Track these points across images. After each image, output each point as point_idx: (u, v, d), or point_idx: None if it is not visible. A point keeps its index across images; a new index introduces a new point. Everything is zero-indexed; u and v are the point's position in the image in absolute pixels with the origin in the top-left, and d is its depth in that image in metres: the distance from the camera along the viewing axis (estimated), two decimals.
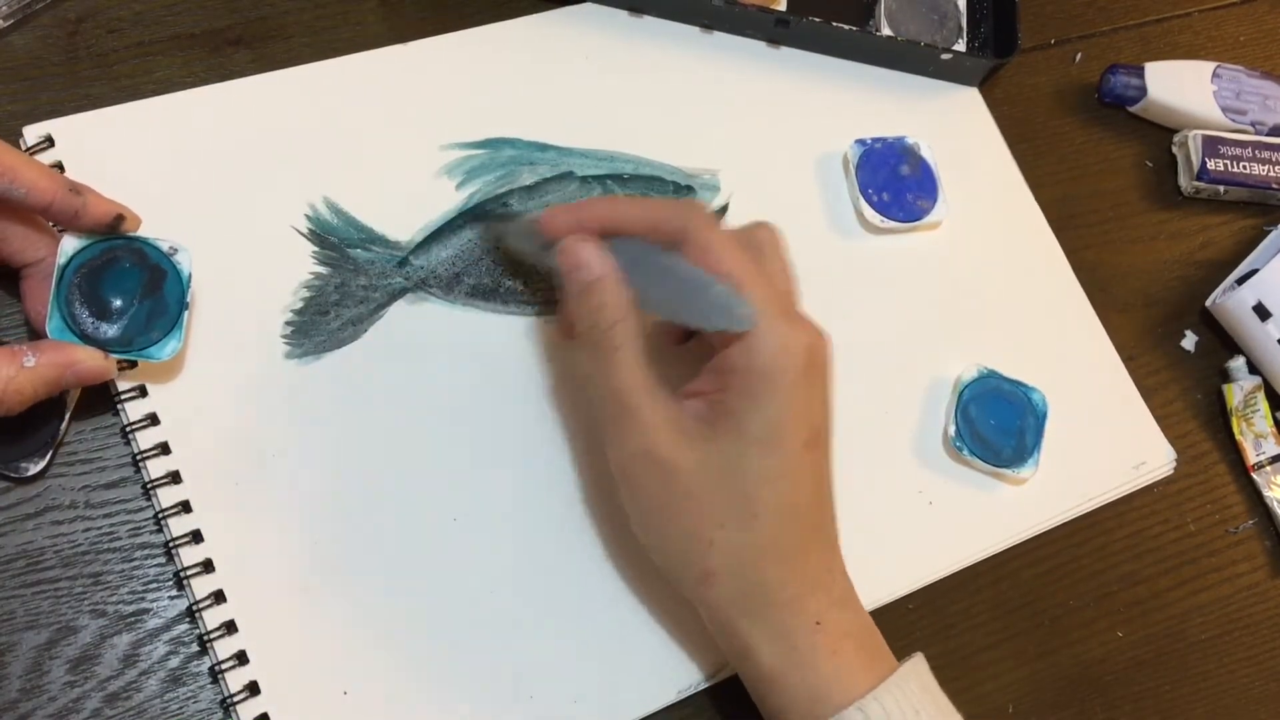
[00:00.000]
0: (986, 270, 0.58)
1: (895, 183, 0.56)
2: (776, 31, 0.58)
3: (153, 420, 0.44)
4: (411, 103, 0.52)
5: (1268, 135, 0.64)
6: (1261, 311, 0.57)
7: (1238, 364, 0.60)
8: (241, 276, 0.47)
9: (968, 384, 0.53)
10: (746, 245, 0.43)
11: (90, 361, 0.41)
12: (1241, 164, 0.62)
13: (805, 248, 0.55)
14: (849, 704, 0.39)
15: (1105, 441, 0.56)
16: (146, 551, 0.43)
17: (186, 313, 0.43)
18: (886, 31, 0.60)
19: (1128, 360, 0.58)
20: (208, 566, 0.43)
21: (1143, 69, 0.63)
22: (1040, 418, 0.54)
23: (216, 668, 0.42)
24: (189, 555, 0.43)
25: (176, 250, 0.43)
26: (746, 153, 0.56)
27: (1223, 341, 0.61)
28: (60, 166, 0.46)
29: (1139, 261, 0.61)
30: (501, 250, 0.49)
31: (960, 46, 0.61)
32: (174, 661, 0.42)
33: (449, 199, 0.51)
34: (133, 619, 0.42)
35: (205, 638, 0.42)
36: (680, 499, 0.40)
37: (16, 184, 0.39)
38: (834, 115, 0.58)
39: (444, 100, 0.52)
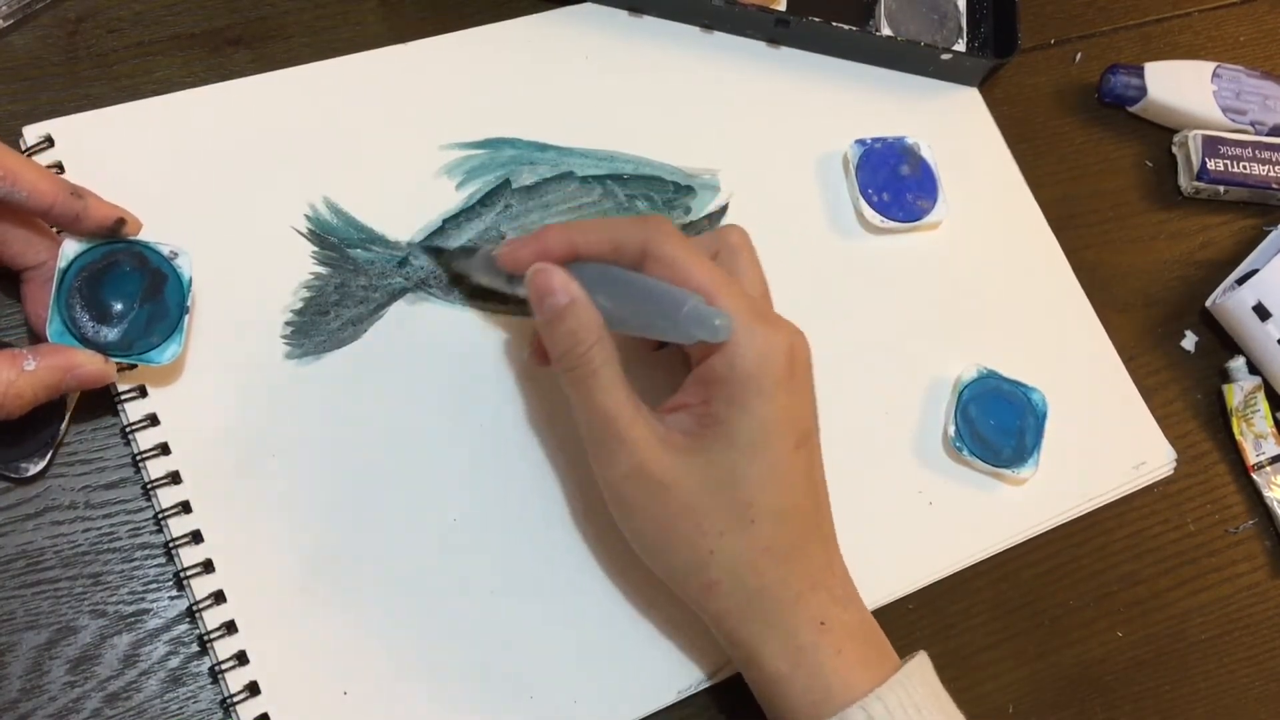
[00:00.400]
0: (986, 270, 0.58)
1: (895, 183, 0.56)
2: (776, 31, 0.58)
3: (153, 421, 0.44)
4: (411, 103, 0.52)
5: (1268, 135, 0.64)
6: (1261, 311, 0.57)
7: (1238, 364, 0.60)
8: (241, 277, 0.47)
9: (968, 384, 0.53)
10: (716, 251, 0.43)
11: (90, 365, 0.41)
12: (1241, 164, 0.62)
13: (805, 248, 0.55)
14: (852, 703, 0.39)
15: (1105, 441, 0.56)
16: (146, 552, 0.43)
17: (187, 317, 0.43)
18: (886, 31, 0.60)
19: (1128, 360, 0.58)
20: (208, 566, 0.43)
21: (1143, 69, 0.63)
22: (1040, 418, 0.54)
23: (216, 668, 0.42)
24: (189, 555, 0.43)
25: (177, 254, 0.43)
26: (746, 153, 0.56)
27: (1223, 341, 0.61)
28: (60, 166, 0.46)
29: (1139, 261, 0.61)
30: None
31: (960, 46, 0.61)
32: (174, 661, 0.42)
33: (449, 199, 0.51)
34: (133, 619, 0.42)
35: (205, 638, 0.42)
36: (676, 514, 0.40)
37: (17, 187, 0.39)
38: (834, 115, 0.58)
39: (444, 100, 0.52)
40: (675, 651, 0.46)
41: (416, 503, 0.46)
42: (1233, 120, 0.63)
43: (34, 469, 0.43)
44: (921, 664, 0.42)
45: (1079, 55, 0.65)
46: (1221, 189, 0.63)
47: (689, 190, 0.54)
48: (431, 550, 0.45)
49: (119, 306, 0.42)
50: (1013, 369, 0.54)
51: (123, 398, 0.44)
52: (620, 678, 0.46)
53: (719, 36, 0.58)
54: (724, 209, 0.55)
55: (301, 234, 0.48)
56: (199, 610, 0.42)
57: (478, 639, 0.45)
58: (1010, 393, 0.54)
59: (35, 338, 0.44)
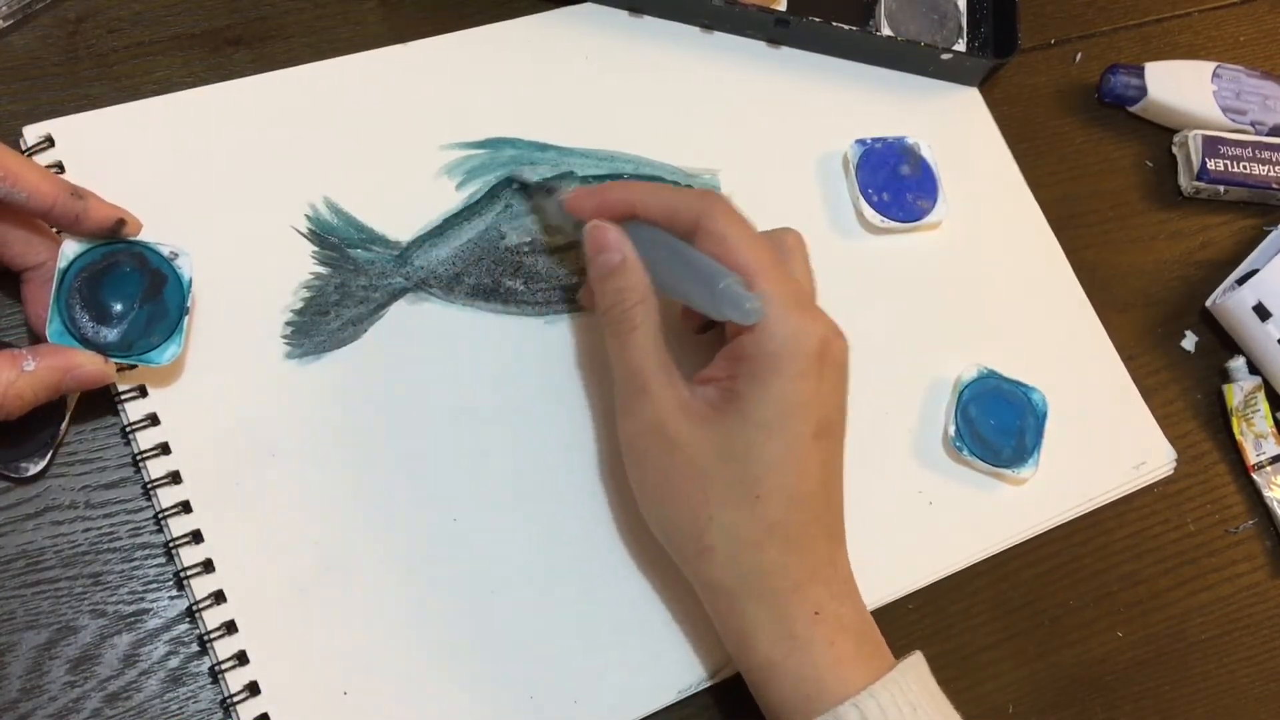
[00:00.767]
0: (986, 270, 0.58)
1: (895, 183, 0.56)
2: (776, 31, 0.58)
3: (153, 420, 0.44)
4: (411, 103, 0.52)
5: (1268, 135, 0.64)
6: (1261, 311, 0.57)
7: (1238, 364, 0.60)
8: (241, 277, 0.47)
9: (968, 384, 0.53)
10: (770, 243, 0.44)
11: (90, 366, 0.41)
12: (1241, 164, 0.62)
13: None
14: (845, 699, 0.39)
15: (1105, 441, 0.56)
16: (146, 551, 0.43)
17: (187, 318, 0.43)
18: (886, 31, 0.60)
19: (1128, 360, 0.58)
20: (208, 566, 0.43)
21: (1143, 69, 0.63)
22: (1040, 418, 0.54)
23: (216, 668, 0.42)
24: (189, 555, 0.43)
25: (177, 255, 0.43)
26: (746, 153, 0.56)
27: (1223, 341, 0.61)
28: (60, 166, 0.46)
29: (1139, 261, 0.61)
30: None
31: (960, 46, 0.61)
32: (174, 661, 0.42)
33: (449, 199, 0.51)
34: (133, 619, 0.42)
35: (205, 638, 0.42)
36: (684, 473, 0.41)
37: (18, 188, 0.39)
38: (834, 115, 0.58)
39: (444, 100, 0.52)
40: (675, 651, 0.46)
41: (417, 503, 0.46)
42: (1233, 120, 0.63)
43: (34, 469, 0.43)
44: (916, 663, 0.41)
45: (1079, 55, 0.65)
46: (1221, 189, 0.63)
47: None
48: (432, 550, 0.45)
49: (119, 307, 0.42)
50: (1013, 369, 0.54)
51: (123, 398, 0.44)
52: (620, 678, 0.46)
53: (719, 36, 0.58)
54: None
55: (301, 234, 0.48)
56: (199, 610, 0.42)
57: (478, 639, 0.45)
58: (1010, 393, 0.54)
59: (35, 338, 0.44)
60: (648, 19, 0.57)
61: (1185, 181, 0.63)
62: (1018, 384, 0.54)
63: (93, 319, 0.42)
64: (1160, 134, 0.64)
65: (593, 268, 0.43)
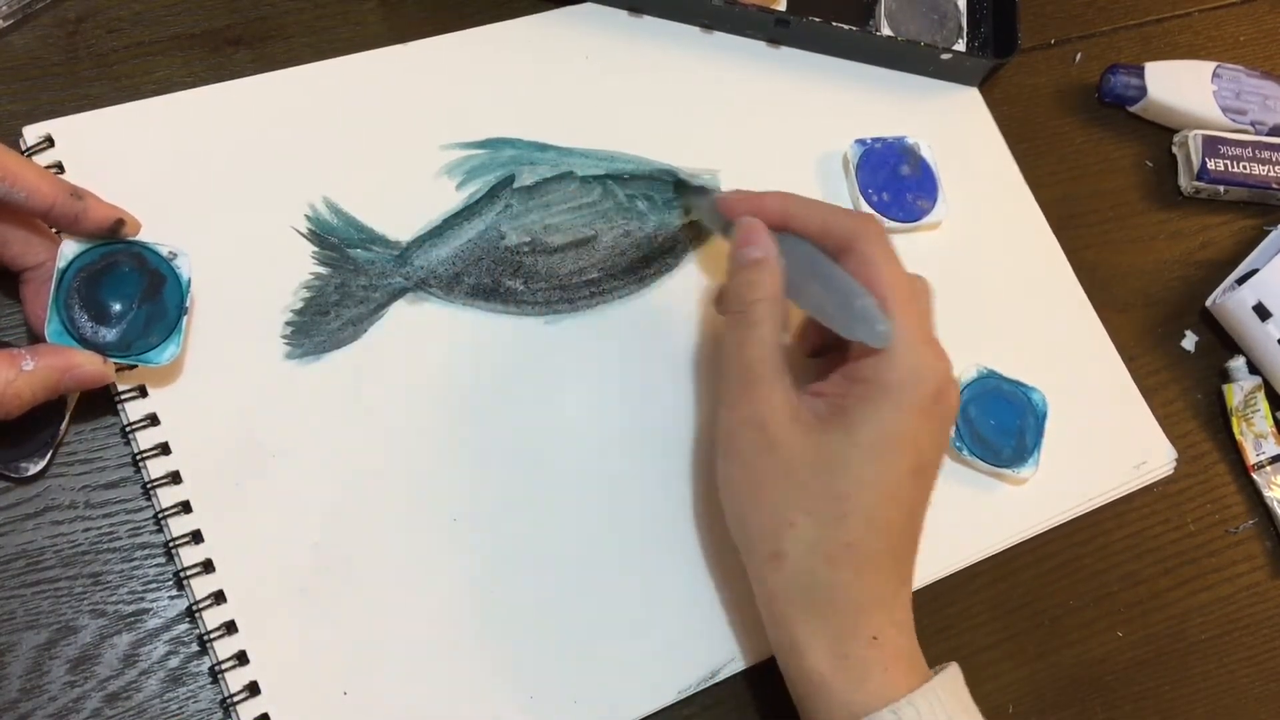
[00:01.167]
0: (986, 270, 0.58)
1: (895, 183, 0.56)
2: (776, 31, 0.58)
3: (153, 420, 0.44)
4: (411, 103, 0.52)
5: (1268, 135, 0.64)
6: (1261, 311, 0.57)
7: (1238, 364, 0.60)
8: (241, 277, 0.47)
9: (968, 384, 0.53)
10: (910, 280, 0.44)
11: (89, 366, 0.41)
12: (1241, 164, 0.62)
13: None
14: (884, 705, 0.39)
15: (1105, 441, 0.56)
16: (146, 551, 0.43)
17: (185, 318, 0.43)
18: (886, 31, 0.60)
19: (1128, 360, 0.58)
20: (208, 566, 0.43)
21: (1143, 69, 0.63)
22: (1040, 418, 0.54)
23: (216, 668, 0.42)
24: (189, 555, 0.43)
25: (176, 255, 0.43)
26: (746, 153, 0.56)
27: (1223, 341, 0.61)
28: (60, 166, 0.46)
29: (1139, 261, 0.61)
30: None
31: (960, 46, 0.61)
32: (174, 661, 0.42)
33: (449, 199, 0.51)
34: (133, 619, 0.42)
35: (205, 638, 0.42)
36: (774, 474, 0.41)
37: (17, 188, 0.39)
38: (834, 115, 0.58)
39: (444, 100, 0.52)
40: (676, 651, 0.46)
41: (416, 502, 0.46)
42: (1233, 120, 0.63)
43: (34, 469, 0.43)
44: (954, 675, 0.42)
45: (1079, 55, 0.65)
46: (1221, 189, 0.63)
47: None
48: (431, 550, 0.45)
49: (118, 307, 0.42)
50: (1013, 369, 0.54)
51: (122, 397, 0.44)
52: (620, 677, 0.46)
53: (719, 36, 0.58)
54: None
55: (301, 234, 0.48)
56: (199, 610, 0.42)
57: (478, 639, 0.45)
58: (1010, 393, 0.54)
59: (34, 338, 0.44)
60: (648, 19, 0.57)
61: (1185, 181, 0.63)
62: (1018, 384, 0.54)
63: (91, 319, 0.42)
64: (1160, 134, 0.64)
65: (733, 259, 0.44)
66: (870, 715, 0.39)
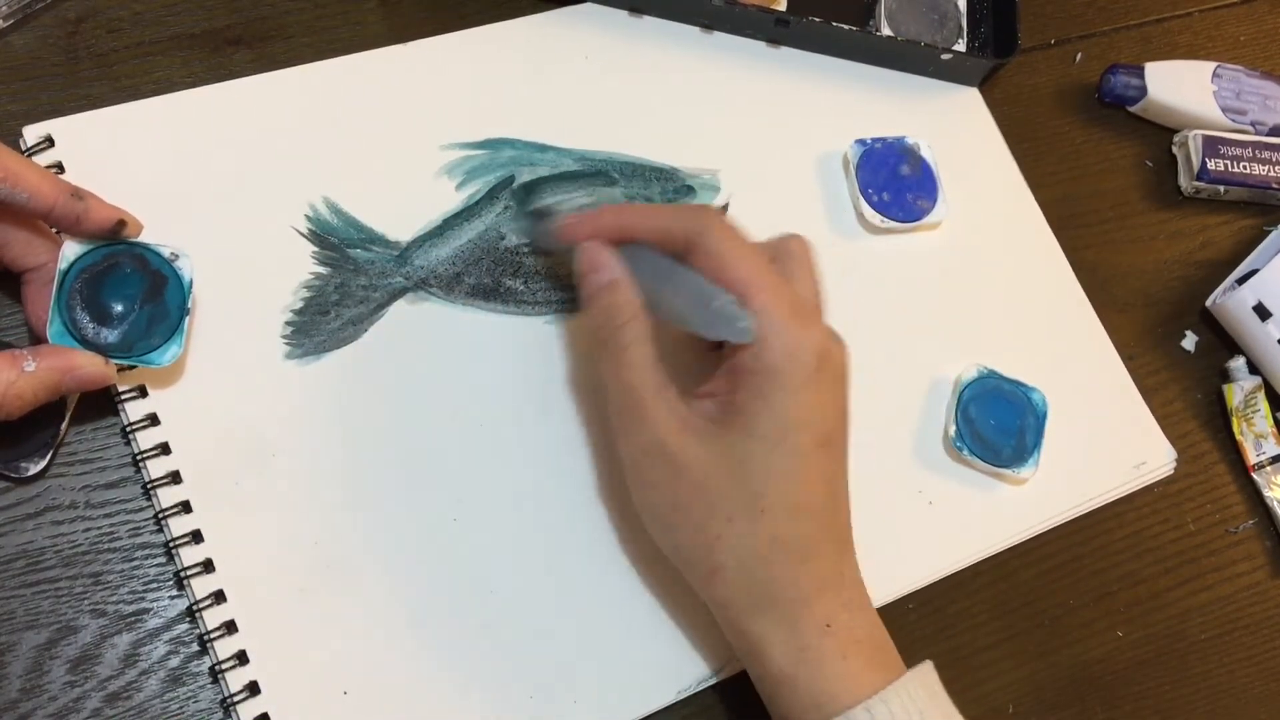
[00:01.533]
0: (986, 270, 0.58)
1: (895, 183, 0.56)
2: (776, 31, 0.58)
3: (153, 420, 0.44)
4: (411, 103, 0.52)
5: (1268, 135, 0.64)
6: (1261, 311, 0.57)
7: (1238, 364, 0.60)
8: (241, 277, 0.47)
9: (968, 384, 0.53)
10: (773, 257, 0.43)
11: (90, 367, 0.41)
12: (1241, 164, 0.62)
13: None
14: (855, 704, 0.39)
15: (1105, 441, 0.56)
16: (146, 551, 0.43)
17: (187, 318, 0.43)
18: (886, 31, 0.60)
19: (1128, 360, 0.58)
20: (208, 566, 0.43)
21: (1143, 69, 0.63)
22: (1040, 418, 0.54)
23: (216, 668, 0.42)
24: (189, 555, 0.43)
25: (178, 256, 0.43)
26: (746, 153, 0.56)
27: (1223, 341, 0.61)
28: (60, 167, 0.46)
29: (1139, 261, 0.61)
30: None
31: (960, 46, 0.61)
32: (174, 661, 0.42)
33: (449, 199, 0.51)
34: (133, 619, 0.42)
35: (205, 638, 0.42)
36: (688, 493, 0.40)
37: (18, 189, 0.39)
38: (834, 115, 0.58)
39: (444, 100, 0.52)
40: (675, 651, 0.46)
41: (416, 503, 0.46)
42: (1233, 120, 0.63)
43: (34, 469, 0.43)
44: (926, 672, 0.41)
45: (1079, 55, 0.65)
46: (1221, 189, 0.63)
47: (689, 190, 0.54)
48: (431, 550, 0.45)
49: (119, 308, 0.42)
50: (1013, 369, 0.54)
51: (123, 397, 0.44)
52: (620, 678, 0.46)
53: (719, 36, 0.58)
54: (724, 209, 0.55)
55: (301, 234, 0.48)
56: (199, 610, 0.42)
57: (477, 639, 0.45)
58: (1010, 393, 0.54)
59: (36, 339, 0.44)
60: (648, 19, 0.57)
61: (1185, 181, 0.63)
62: (1018, 384, 0.54)
63: (93, 320, 0.42)
64: (1160, 134, 0.64)
65: (584, 288, 0.43)
66: (844, 714, 0.39)
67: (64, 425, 0.43)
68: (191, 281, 0.43)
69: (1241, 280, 0.59)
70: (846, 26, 0.58)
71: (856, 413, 0.51)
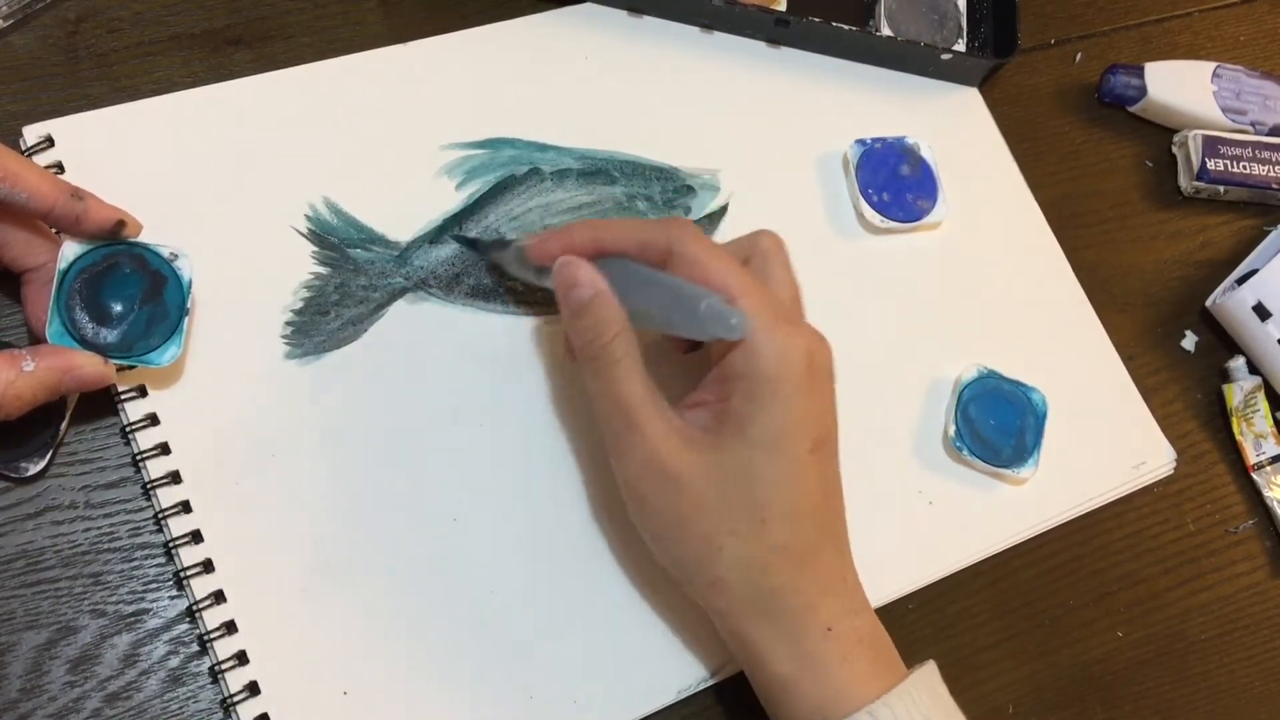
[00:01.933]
0: (986, 270, 0.58)
1: (895, 183, 0.56)
2: (776, 31, 0.58)
3: (153, 420, 0.44)
4: (411, 103, 0.52)
5: (1268, 135, 0.64)
6: (1261, 311, 0.57)
7: (1238, 364, 0.60)
8: (241, 277, 0.47)
9: (968, 384, 0.53)
10: (748, 256, 0.43)
11: (89, 367, 0.41)
12: (1241, 164, 0.62)
13: (805, 248, 0.55)
14: (858, 709, 0.39)
15: (1105, 441, 0.56)
16: (146, 551, 0.43)
17: (187, 319, 0.43)
18: (886, 31, 0.60)
19: (1128, 360, 0.58)
20: (208, 566, 0.43)
21: (1143, 69, 0.63)
22: (1040, 418, 0.54)
23: (216, 668, 0.42)
24: (189, 555, 0.43)
25: (177, 256, 0.43)
26: (746, 153, 0.56)
27: (1223, 341, 0.61)
28: (60, 167, 0.46)
29: (1139, 261, 0.61)
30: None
31: (960, 46, 0.61)
32: (174, 661, 0.42)
33: (449, 199, 0.51)
34: (133, 619, 0.42)
35: (205, 638, 0.42)
36: (687, 508, 0.40)
37: (18, 189, 0.39)
38: (834, 115, 0.58)
39: (444, 100, 0.52)
40: (675, 651, 0.46)
41: (416, 503, 0.46)
42: (1233, 120, 0.63)
43: (34, 469, 0.43)
44: (929, 673, 0.41)
45: (1079, 55, 0.65)
46: (1221, 189, 0.63)
47: (689, 190, 0.54)
48: (431, 550, 0.45)
49: (119, 308, 0.42)
50: (1013, 369, 0.54)
51: (123, 397, 0.44)
52: (620, 678, 0.46)
53: (719, 36, 0.58)
54: (724, 209, 0.55)
55: (301, 234, 0.48)
56: (199, 610, 0.42)
57: (477, 639, 0.45)
58: (1010, 393, 0.54)
59: (35, 339, 0.44)
60: (648, 19, 0.57)
61: (1185, 181, 0.63)
62: (1018, 384, 0.54)
63: (93, 320, 0.42)
64: (1160, 134, 0.64)
65: (565, 307, 0.42)
66: (848, 719, 0.39)
67: (64, 425, 0.43)
68: (191, 281, 0.43)
69: (1241, 280, 0.59)
70: (846, 26, 0.58)
71: (857, 413, 0.51)
